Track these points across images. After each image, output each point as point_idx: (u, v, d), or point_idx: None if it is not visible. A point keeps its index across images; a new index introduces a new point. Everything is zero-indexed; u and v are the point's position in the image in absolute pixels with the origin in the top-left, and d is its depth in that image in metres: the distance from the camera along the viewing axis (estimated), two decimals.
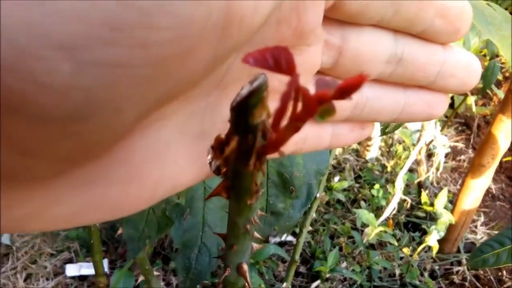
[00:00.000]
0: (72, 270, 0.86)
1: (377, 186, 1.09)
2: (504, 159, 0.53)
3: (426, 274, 1.07)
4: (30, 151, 0.11)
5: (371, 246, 1.01)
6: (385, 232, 0.93)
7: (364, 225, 0.99)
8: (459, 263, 1.15)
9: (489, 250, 0.46)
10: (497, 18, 0.52)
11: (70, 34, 0.09)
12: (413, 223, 1.19)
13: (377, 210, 1.06)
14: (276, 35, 0.17)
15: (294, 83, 0.10)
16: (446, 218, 0.93)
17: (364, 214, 0.88)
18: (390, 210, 0.98)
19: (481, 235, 1.28)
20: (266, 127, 0.14)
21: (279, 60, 0.11)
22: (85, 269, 0.85)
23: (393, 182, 1.07)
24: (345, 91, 0.10)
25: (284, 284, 0.44)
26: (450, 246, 1.14)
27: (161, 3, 0.10)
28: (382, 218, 0.95)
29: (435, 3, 0.20)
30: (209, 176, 0.18)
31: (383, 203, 1.04)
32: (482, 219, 1.36)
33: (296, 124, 0.12)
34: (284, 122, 0.12)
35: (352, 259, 0.99)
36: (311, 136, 0.22)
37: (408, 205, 1.15)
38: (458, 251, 1.16)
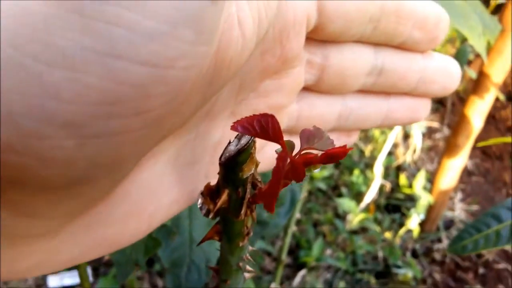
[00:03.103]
0: (54, 281, 0.85)
1: (356, 172, 1.10)
2: (479, 144, 0.55)
3: (408, 254, 1.10)
4: (33, 214, 0.12)
5: (354, 232, 1.03)
6: (367, 219, 0.95)
7: (347, 212, 1.01)
8: (439, 240, 1.19)
9: (467, 237, 0.47)
10: (466, 8, 0.53)
11: (71, 114, 0.10)
12: (394, 204, 1.22)
13: (358, 196, 1.08)
14: (260, 64, 0.17)
15: (283, 159, 0.10)
16: (425, 200, 0.95)
17: (345, 202, 0.90)
18: (370, 195, 1.00)
19: (459, 211, 1.32)
20: (256, 178, 0.14)
21: (266, 127, 0.11)
22: (68, 278, 0.83)
23: (372, 167, 1.09)
24: (330, 158, 0.10)
25: (273, 284, 0.45)
26: (430, 225, 1.17)
27: (153, 75, 0.10)
28: (363, 204, 0.97)
29: (413, 17, 0.20)
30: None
31: (363, 188, 1.06)
32: (459, 195, 1.40)
33: (285, 182, 0.12)
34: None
35: (336, 246, 1.01)
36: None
37: (388, 189, 1.17)
38: (438, 229, 1.20)
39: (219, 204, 0.14)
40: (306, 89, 0.21)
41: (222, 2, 0.11)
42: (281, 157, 0.10)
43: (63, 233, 0.14)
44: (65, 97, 0.10)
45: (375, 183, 1.01)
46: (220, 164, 0.13)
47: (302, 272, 0.97)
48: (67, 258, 0.15)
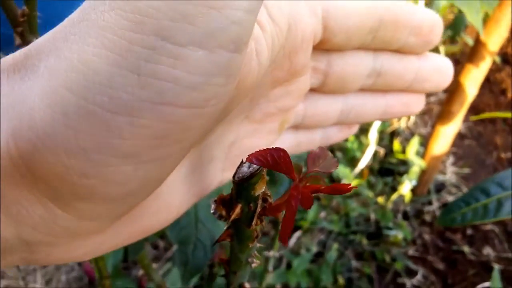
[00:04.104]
0: None
1: (351, 137, 1.12)
2: (472, 118, 0.56)
3: (399, 216, 1.14)
4: (92, 218, 0.15)
5: (348, 197, 1.07)
6: (360, 184, 0.98)
7: (341, 177, 1.03)
8: (430, 203, 1.23)
9: (456, 209, 0.50)
10: None
11: (130, 147, 0.13)
12: (387, 168, 1.25)
13: (352, 161, 1.11)
14: (271, 77, 0.20)
15: (296, 197, 0.12)
16: (417, 166, 0.98)
17: (340, 169, 0.92)
18: (365, 161, 1.02)
19: (450, 175, 1.35)
20: (266, 194, 0.16)
21: (278, 161, 0.12)
22: None
23: (367, 132, 1.11)
24: (335, 191, 0.12)
25: (272, 252, 0.47)
26: (421, 189, 1.21)
27: (192, 114, 0.13)
28: (357, 170, 1.00)
29: (409, 25, 0.21)
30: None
31: (358, 154, 1.08)
32: (451, 159, 1.43)
33: (294, 207, 0.14)
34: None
35: (330, 209, 1.04)
36: (303, 141, 0.25)
37: (382, 154, 1.20)
38: (429, 192, 1.24)
39: (232, 216, 0.15)
40: (312, 90, 0.23)
41: (245, 48, 0.13)
42: (293, 196, 0.12)
43: (110, 228, 0.17)
44: (126, 136, 0.12)
45: (370, 149, 1.03)
46: (233, 182, 0.15)
47: (297, 233, 1.01)
48: (111, 246, 0.18)
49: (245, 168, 0.14)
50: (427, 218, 1.20)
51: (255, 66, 0.15)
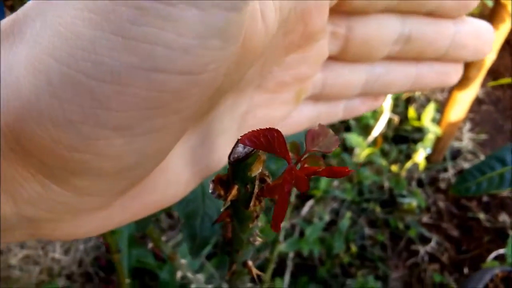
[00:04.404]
0: None
1: None
2: (490, 84, 0.54)
3: (414, 183, 1.13)
4: (91, 193, 0.14)
5: (361, 165, 1.06)
6: (374, 153, 0.97)
7: (354, 146, 1.02)
8: (445, 170, 1.21)
9: (471, 179, 0.49)
10: None
11: (120, 119, 0.12)
12: (401, 135, 1.23)
13: (366, 129, 1.09)
14: (283, 42, 0.18)
15: (288, 182, 0.11)
16: (432, 133, 0.96)
17: (353, 137, 0.91)
18: (378, 129, 1.00)
19: (466, 141, 1.33)
20: (264, 174, 0.15)
21: (272, 141, 0.12)
22: None
23: None
24: (331, 174, 0.11)
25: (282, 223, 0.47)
26: (437, 156, 1.19)
27: (188, 81, 0.12)
28: (371, 138, 0.98)
29: None
30: None
31: (372, 122, 1.06)
32: (468, 125, 1.40)
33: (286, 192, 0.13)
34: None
35: (343, 178, 1.04)
36: (323, 113, 0.23)
37: (396, 122, 1.18)
38: (444, 159, 1.22)
39: (229, 198, 0.15)
40: (331, 58, 0.21)
41: (246, 9, 0.12)
42: (286, 181, 0.11)
43: (115, 204, 0.16)
44: (114, 106, 0.11)
45: (384, 117, 1.01)
46: (229, 163, 0.14)
47: (310, 202, 1.01)
48: (119, 221, 0.18)
49: (240, 148, 0.14)
50: (442, 185, 1.19)
51: (261, 28, 0.14)
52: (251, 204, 0.15)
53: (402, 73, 0.22)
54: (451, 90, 1.07)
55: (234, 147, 0.14)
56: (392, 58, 0.21)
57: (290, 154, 0.14)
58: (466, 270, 0.99)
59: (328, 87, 0.22)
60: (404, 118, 1.24)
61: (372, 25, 0.19)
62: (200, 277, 0.46)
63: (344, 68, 0.21)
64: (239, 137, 0.12)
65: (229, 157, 0.14)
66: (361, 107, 0.24)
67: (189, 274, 0.43)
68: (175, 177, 0.18)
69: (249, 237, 0.18)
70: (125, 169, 0.14)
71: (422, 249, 1.02)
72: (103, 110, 0.11)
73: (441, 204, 1.14)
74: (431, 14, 0.20)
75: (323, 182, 0.90)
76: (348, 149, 1.08)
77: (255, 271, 0.21)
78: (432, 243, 1.03)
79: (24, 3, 0.21)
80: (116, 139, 0.12)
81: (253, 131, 0.12)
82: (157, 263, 0.80)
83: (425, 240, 1.04)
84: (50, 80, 0.11)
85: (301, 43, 0.19)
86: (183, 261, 0.41)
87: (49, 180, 0.13)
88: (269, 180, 0.15)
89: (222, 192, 0.16)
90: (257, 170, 0.14)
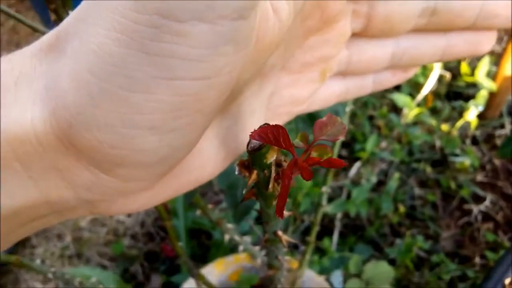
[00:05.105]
0: None
1: None
2: None
3: (468, 141, 1.10)
4: (134, 179, 0.17)
5: (410, 125, 1.04)
6: (423, 113, 0.94)
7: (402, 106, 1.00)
8: (502, 126, 1.16)
9: None
10: None
11: (151, 121, 0.14)
12: (455, 92, 1.18)
13: (416, 86, 1.06)
14: (302, 28, 0.19)
15: (289, 176, 0.13)
16: (485, 90, 0.92)
17: (400, 97, 0.89)
18: (428, 87, 0.97)
19: None
20: (280, 159, 0.17)
21: (278, 137, 0.13)
22: None
23: None
24: (330, 164, 0.13)
25: (324, 188, 0.49)
26: (493, 112, 1.14)
27: (206, 84, 0.14)
28: (420, 96, 0.96)
29: None
30: None
31: (422, 79, 1.03)
32: None
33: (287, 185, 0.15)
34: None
35: (392, 139, 1.02)
36: (352, 87, 0.24)
37: (448, 78, 1.13)
38: (501, 115, 1.17)
39: (250, 182, 0.17)
40: (356, 35, 0.21)
41: (254, 14, 0.13)
42: (287, 175, 0.13)
43: (158, 184, 0.19)
44: (145, 111, 0.14)
45: (434, 73, 0.98)
46: (247, 151, 0.16)
47: (358, 163, 1.01)
48: (164, 197, 0.20)
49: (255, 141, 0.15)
50: (499, 142, 1.14)
51: (275, 24, 0.15)
52: (270, 186, 0.17)
53: (430, 44, 0.22)
54: (507, 43, 1.01)
55: (250, 139, 0.16)
56: (419, 30, 0.21)
57: (300, 143, 0.15)
58: None
59: (354, 63, 0.22)
60: (457, 73, 1.19)
61: (394, 1, 0.20)
62: (247, 239, 0.49)
63: (369, 44, 0.22)
64: (250, 133, 0.14)
65: (247, 146, 0.16)
66: (391, 79, 0.24)
67: (237, 237, 0.46)
68: (211, 157, 0.20)
69: (274, 212, 0.20)
70: (159, 160, 0.16)
71: (475, 208, 1.00)
72: (136, 115, 0.14)
73: (497, 162, 1.11)
74: None
75: (369, 144, 0.90)
76: (397, 110, 1.06)
77: (285, 239, 0.23)
78: (487, 202, 1.01)
79: (67, 7, 0.23)
80: (149, 137, 0.14)
81: (261, 127, 0.14)
82: (211, 223, 0.85)
83: (478, 199, 1.02)
84: (91, 94, 0.13)
85: (320, 27, 0.19)
86: (229, 225, 0.44)
87: (98, 170, 0.16)
88: (285, 164, 0.17)
89: (246, 174, 0.18)
90: (271, 157, 0.16)
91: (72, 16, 0.15)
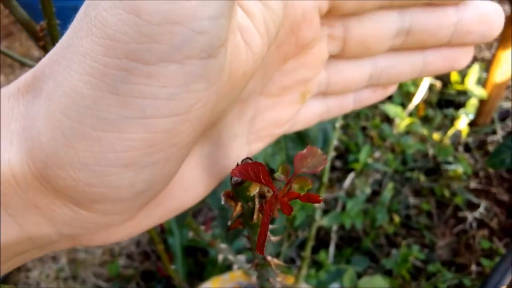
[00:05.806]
0: None
1: None
2: None
3: (460, 148, 1.10)
4: (114, 213, 0.17)
5: (405, 133, 1.04)
6: (414, 123, 0.95)
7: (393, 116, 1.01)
8: (494, 132, 1.17)
9: (505, 150, 0.48)
10: None
11: (126, 158, 0.14)
12: (446, 99, 1.19)
13: (407, 96, 1.07)
14: (278, 54, 0.19)
15: (268, 214, 0.13)
16: (475, 98, 0.93)
17: (391, 108, 0.90)
18: (419, 96, 0.98)
19: None
20: (263, 191, 0.17)
21: (258, 173, 0.14)
22: None
23: None
24: (309, 200, 0.13)
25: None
26: (484, 118, 1.15)
27: (178, 121, 0.14)
28: (411, 106, 0.97)
29: None
30: None
31: (412, 89, 1.04)
32: None
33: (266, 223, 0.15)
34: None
35: (385, 148, 1.03)
36: (333, 107, 0.24)
37: (439, 87, 1.14)
38: (493, 121, 1.17)
39: (235, 213, 0.17)
40: (333, 57, 0.22)
41: (224, 50, 0.13)
42: (266, 213, 0.13)
43: (140, 213, 0.19)
44: (119, 149, 0.14)
45: (424, 83, 0.99)
46: (231, 184, 0.16)
47: (352, 174, 1.01)
48: (146, 226, 0.20)
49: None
50: (491, 148, 1.15)
51: (248, 56, 0.15)
52: (255, 217, 0.17)
53: (408, 62, 0.22)
54: (496, 51, 1.02)
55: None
56: (396, 49, 0.22)
57: (282, 176, 0.16)
58: None
59: (333, 84, 0.23)
60: (447, 81, 1.20)
61: (368, 23, 0.20)
62: (241, 257, 0.49)
63: (347, 65, 0.22)
64: (232, 170, 0.14)
65: (230, 180, 0.16)
66: (372, 96, 0.24)
67: (230, 257, 0.46)
68: (193, 183, 0.21)
69: None
70: (137, 194, 0.16)
71: (470, 216, 1.00)
72: (110, 153, 0.14)
73: (490, 168, 1.11)
74: (431, 4, 0.20)
75: (363, 154, 0.90)
76: (389, 120, 1.06)
77: (275, 263, 0.24)
78: (481, 209, 1.01)
79: (57, 40, 0.24)
80: (124, 174, 0.15)
81: (242, 165, 0.14)
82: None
83: (473, 207, 1.02)
84: (65, 134, 0.14)
85: (297, 51, 0.20)
86: (223, 245, 0.44)
87: (77, 207, 0.16)
88: (268, 195, 0.17)
89: (232, 204, 0.19)
90: (254, 190, 0.16)
91: (48, 57, 0.15)
